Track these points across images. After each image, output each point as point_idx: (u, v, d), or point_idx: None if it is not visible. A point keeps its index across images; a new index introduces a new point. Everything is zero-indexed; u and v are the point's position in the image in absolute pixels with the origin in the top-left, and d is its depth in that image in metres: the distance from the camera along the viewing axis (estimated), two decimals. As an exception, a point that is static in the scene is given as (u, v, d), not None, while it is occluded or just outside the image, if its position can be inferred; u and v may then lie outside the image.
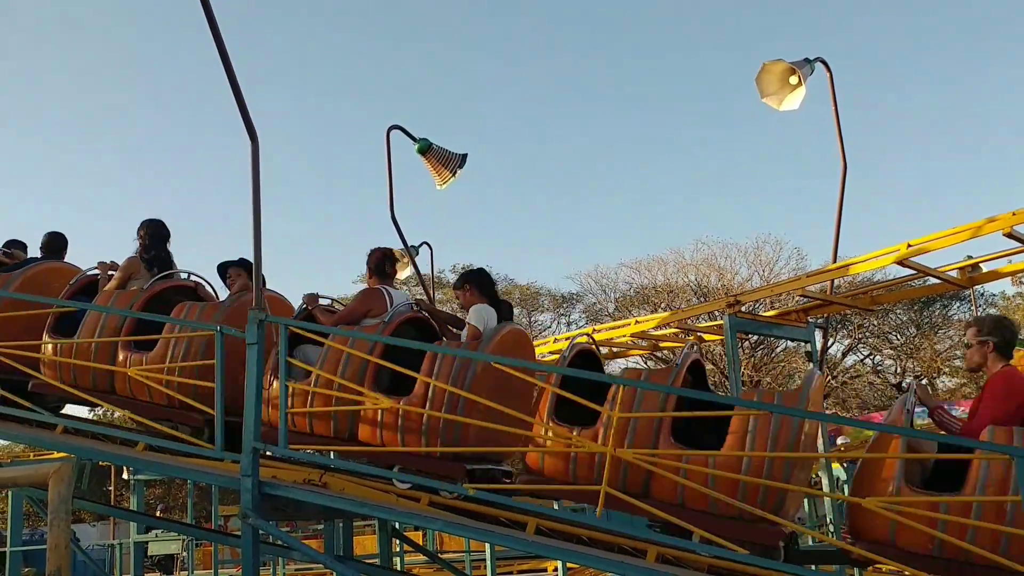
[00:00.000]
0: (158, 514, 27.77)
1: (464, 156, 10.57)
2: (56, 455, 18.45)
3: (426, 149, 10.48)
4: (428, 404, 6.06)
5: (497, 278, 40.32)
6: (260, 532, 5.82)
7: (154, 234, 7.70)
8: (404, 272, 13.71)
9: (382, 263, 7.19)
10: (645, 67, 61.16)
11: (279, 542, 6.65)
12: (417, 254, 13.00)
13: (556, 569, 11.96)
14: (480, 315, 6.64)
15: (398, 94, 61.28)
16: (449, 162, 10.51)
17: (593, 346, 6.86)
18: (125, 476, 20.61)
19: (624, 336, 10.73)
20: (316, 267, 63.39)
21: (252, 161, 6.14)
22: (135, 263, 7.58)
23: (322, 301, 7.22)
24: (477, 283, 6.85)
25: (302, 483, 6.26)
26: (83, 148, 65.28)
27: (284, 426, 5.96)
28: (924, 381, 41.14)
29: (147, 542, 15.62)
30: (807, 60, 8.76)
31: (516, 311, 38.08)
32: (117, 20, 64.46)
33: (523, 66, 63.37)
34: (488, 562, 11.06)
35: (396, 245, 12.49)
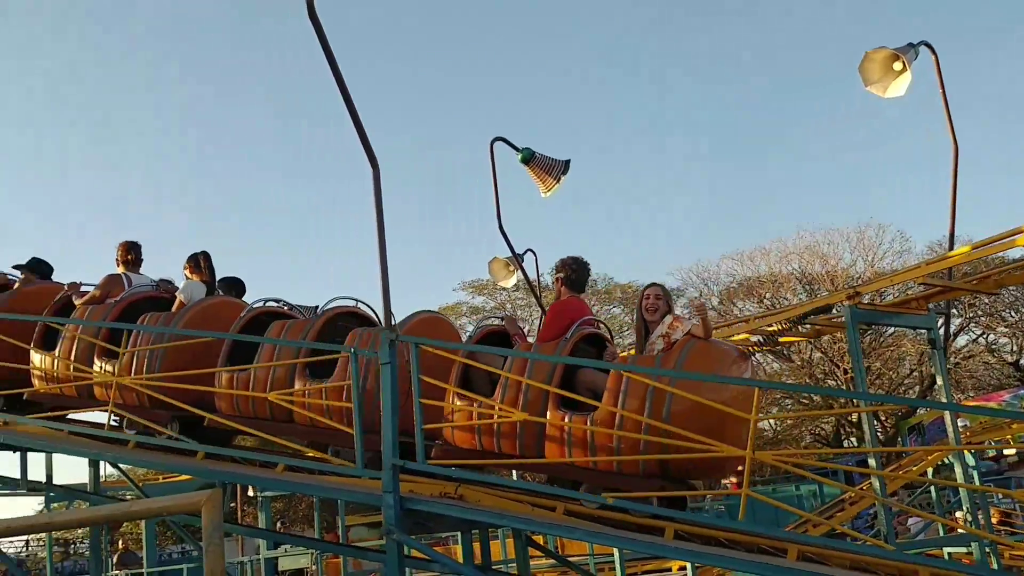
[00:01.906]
0: (279, 528, 28.51)
1: (567, 162, 10.61)
2: (182, 477, 19.15)
3: (529, 158, 10.57)
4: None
5: (597, 277, 40.46)
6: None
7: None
8: (511, 280, 13.83)
9: (125, 253, 8.50)
10: (749, 60, 60.12)
11: (420, 555, 6.80)
12: (523, 261, 13.09)
13: (683, 568, 11.90)
14: (186, 290, 8.01)
15: (500, 103, 61.51)
16: (553, 169, 10.57)
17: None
18: (251, 493, 21.18)
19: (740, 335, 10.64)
20: (426, 278, 64.09)
21: (374, 186, 6.31)
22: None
23: (85, 288, 8.46)
24: (194, 263, 8.30)
25: (439, 496, 6.40)
26: (193, 173, 67.35)
27: (420, 440, 6.11)
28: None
29: (277, 558, 16.08)
30: (911, 45, 8.53)
31: (618, 310, 38.04)
32: (236, 50, 66.42)
33: (622, 64, 63.02)
34: (617, 565, 11.11)
35: (504, 254, 12.66)
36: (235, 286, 8.46)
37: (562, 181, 10.58)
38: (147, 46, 64.86)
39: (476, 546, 7.50)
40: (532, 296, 14.87)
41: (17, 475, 8.75)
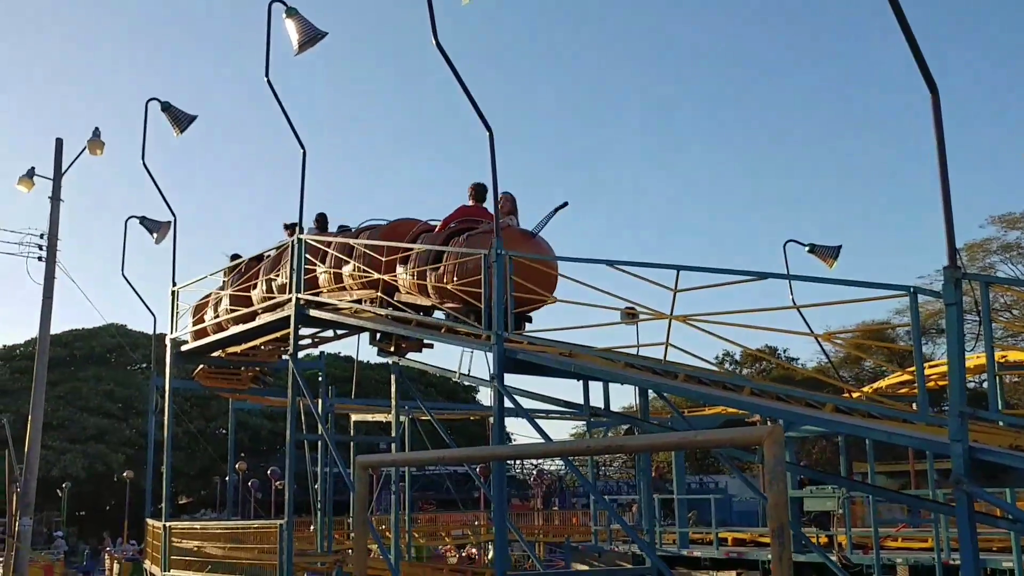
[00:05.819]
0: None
1: None
2: (710, 410, 19.77)
3: None
4: None
5: None
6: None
7: None
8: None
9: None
10: None
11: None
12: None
13: None
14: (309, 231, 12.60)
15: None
16: None
17: None
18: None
19: None
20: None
21: (934, 113, 5.93)
22: None
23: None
24: (316, 219, 12.90)
25: (1011, 448, 5.91)
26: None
27: (993, 390, 5.67)
28: None
29: (802, 498, 16.09)
30: None
31: None
32: None
33: None
34: None
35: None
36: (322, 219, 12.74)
37: None
38: None
39: None
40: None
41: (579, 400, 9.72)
